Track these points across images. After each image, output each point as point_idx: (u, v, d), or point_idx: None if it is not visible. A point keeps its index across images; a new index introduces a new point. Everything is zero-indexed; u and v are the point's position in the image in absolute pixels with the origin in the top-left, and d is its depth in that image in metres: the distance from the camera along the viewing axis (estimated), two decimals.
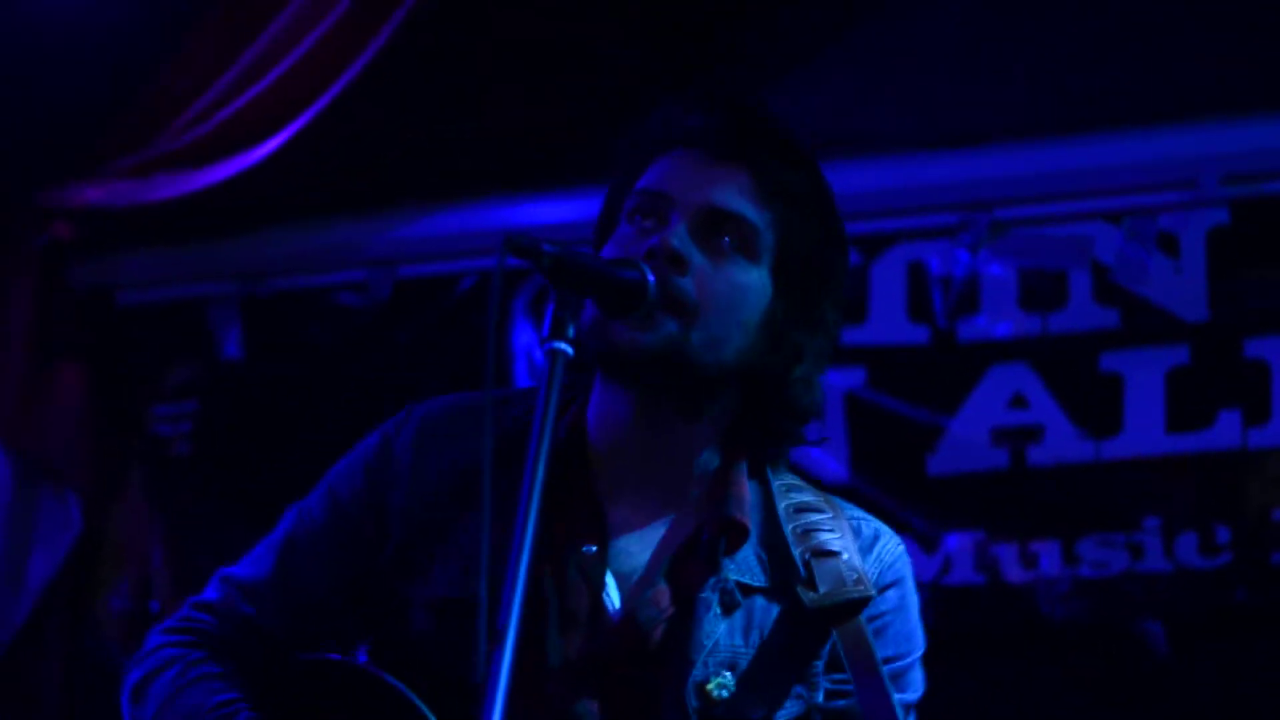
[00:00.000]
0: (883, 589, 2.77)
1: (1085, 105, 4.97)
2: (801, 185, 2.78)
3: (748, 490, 2.78)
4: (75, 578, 5.59)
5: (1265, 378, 4.77)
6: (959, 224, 4.99)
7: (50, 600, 5.54)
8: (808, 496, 2.83)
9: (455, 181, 5.35)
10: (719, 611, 2.70)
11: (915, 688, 2.81)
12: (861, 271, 5.03)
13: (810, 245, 2.77)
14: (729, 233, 2.72)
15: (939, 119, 5.10)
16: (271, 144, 5.26)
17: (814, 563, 2.73)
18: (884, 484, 4.92)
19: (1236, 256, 4.84)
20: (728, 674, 2.67)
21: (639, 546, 2.75)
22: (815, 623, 2.71)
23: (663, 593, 2.71)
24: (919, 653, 2.83)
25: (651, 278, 2.65)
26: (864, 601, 2.71)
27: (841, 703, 2.73)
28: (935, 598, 4.83)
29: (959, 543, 4.92)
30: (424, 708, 2.59)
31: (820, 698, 2.73)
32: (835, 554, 2.74)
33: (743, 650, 2.69)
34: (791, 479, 2.86)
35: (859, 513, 2.86)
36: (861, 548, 2.79)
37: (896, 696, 2.68)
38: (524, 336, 5.33)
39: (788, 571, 2.73)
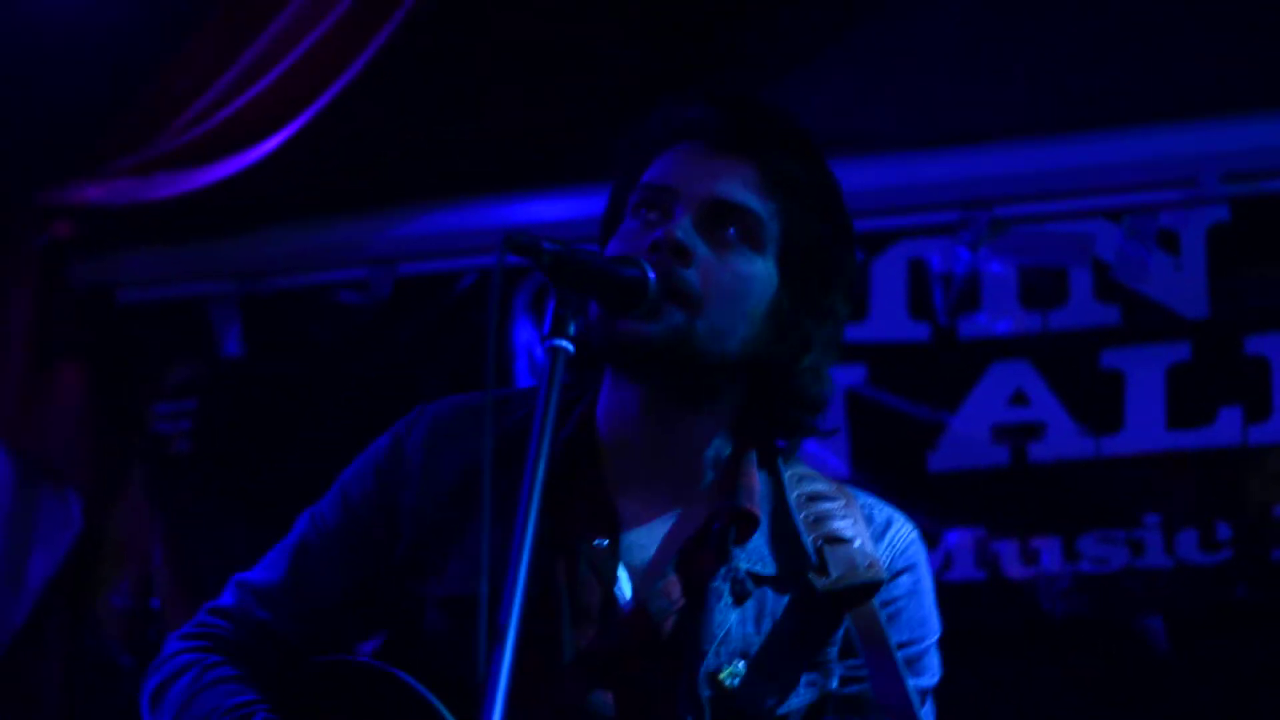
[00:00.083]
0: (896, 574, 2.79)
1: (1085, 103, 4.97)
2: (806, 176, 2.79)
3: (758, 480, 2.79)
4: (76, 576, 5.59)
5: (1265, 375, 4.77)
6: (960, 221, 4.99)
7: (50, 599, 5.54)
8: (820, 486, 2.85)
9: (455, 180, 5.35)
10: (730, 601, 2.71)
11: (932, 673, 2.83)
12: (862, 269, 5.03)
13: (815, 235, 2.78)
14: (733, 224, 2.73)
15: (940, 117, 5.11)
16: (272, 143, 5.26)
17: (826, 549, 2.75)
18: (885, 481, 4.91)
19: (1237, 254, 4.84)
20: (740, 662, 2.68)
21: (650, 539, 2.76)
22: (827, 608, 2.72)
23: (674, 584, 2.73)
24: (934, 638, 2.84)
25: (652, 275, 2.67)
26: (876, 585, 2.73)
27: (856, 688, 2.74)
28: (936, 594, 4.82)
29: (960, 539, 4.93)
30: (439, 705, 2.59)
31: (835, 683, 2.74)
32: (847, 540, 2.76)
33: (755, 639, 2.70)
34: (804, 469, 2.87)
35: (872, 500, 2.88)
36: (874, 534, 2.81)
37: (911, 681, 2.69)
38: (525, 334, 5.33)
39: (799, 559, 2.75)
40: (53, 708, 5.57)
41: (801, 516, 2.79)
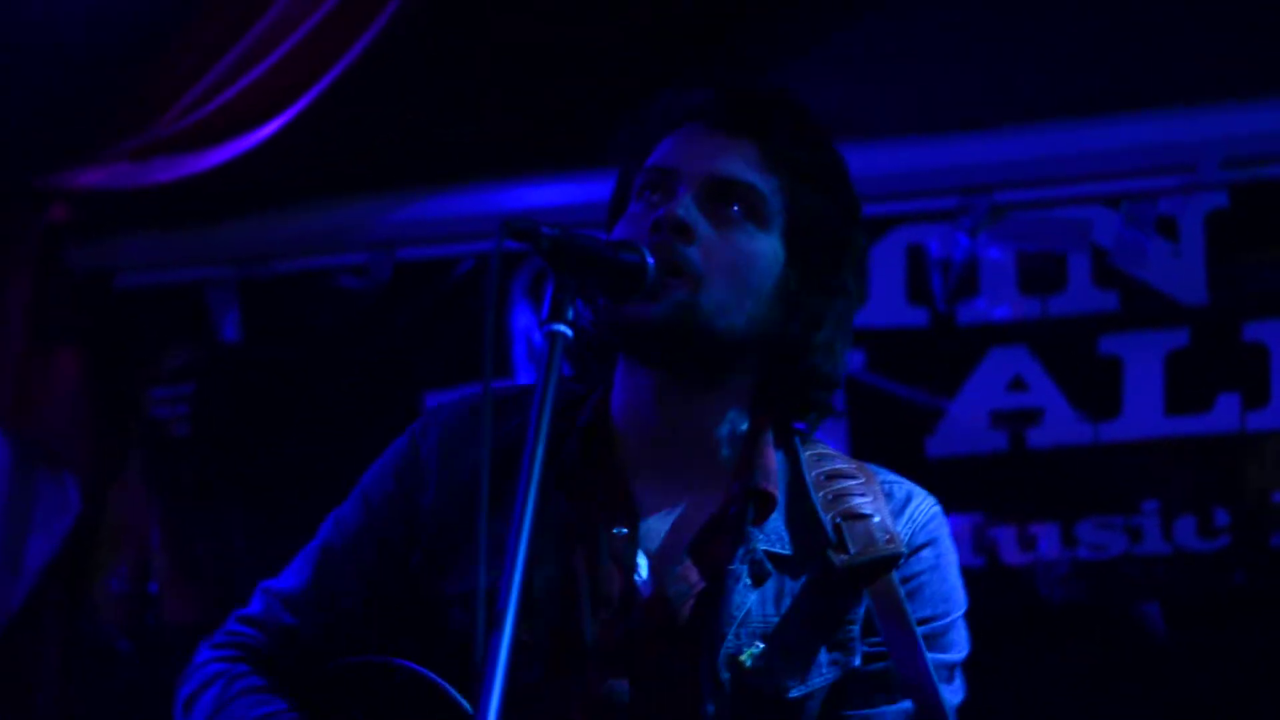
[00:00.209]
0: (917, 549, 2.78)
1: (1084, 89, 4.96)
2: (809, 152, 2.80)
3: (775, 460, 2.79)
4: (73, 560, 5.58)
5: (1264, 361, 4.77)
6: (959, 207, 4.99)
7: (48, 582, 5.53)
8: (839, 464, 2.85)
9: (454, 164, 5.35)
10: (749, 583, 2.70)
11: (959, 647, 2.82)
12: None
13: (821, 211, 2.79)
14: (736, 200, 2.74)
15: (938, 103, 5.10)
16: (271, 127, 5.26)
17: (844, 526, 2.74)
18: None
19: (1235, 240, 4.84)
20: (760, 644, 2.68)
21: (668, 524, 2.76)
22: (847, 585, 2.72)
23: (691, 568, 2.73)
24: (958, 612, 2.83)
25: (651, 260, 2.67)
26: (895, 559, 2.72)
27: (880, 665, 2.73)
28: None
29: (957, 525, 4.91)
30: (463, 701, 2.59)
31: (857, 661, 2.73)
32: (866, 517, 2.76)
33: (775, 620, 2.70)
34: (823, 449, 2.87)
35: (892, 476, 2.88)
36: (894, 510, 2.80)
37: (932, 656, 2.69)
38: (523, 319, 5.33)
39: (817, 537, 2.74)
40: (50, 692, 5.57)
41: (820, 495, 2.78)
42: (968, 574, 4.86)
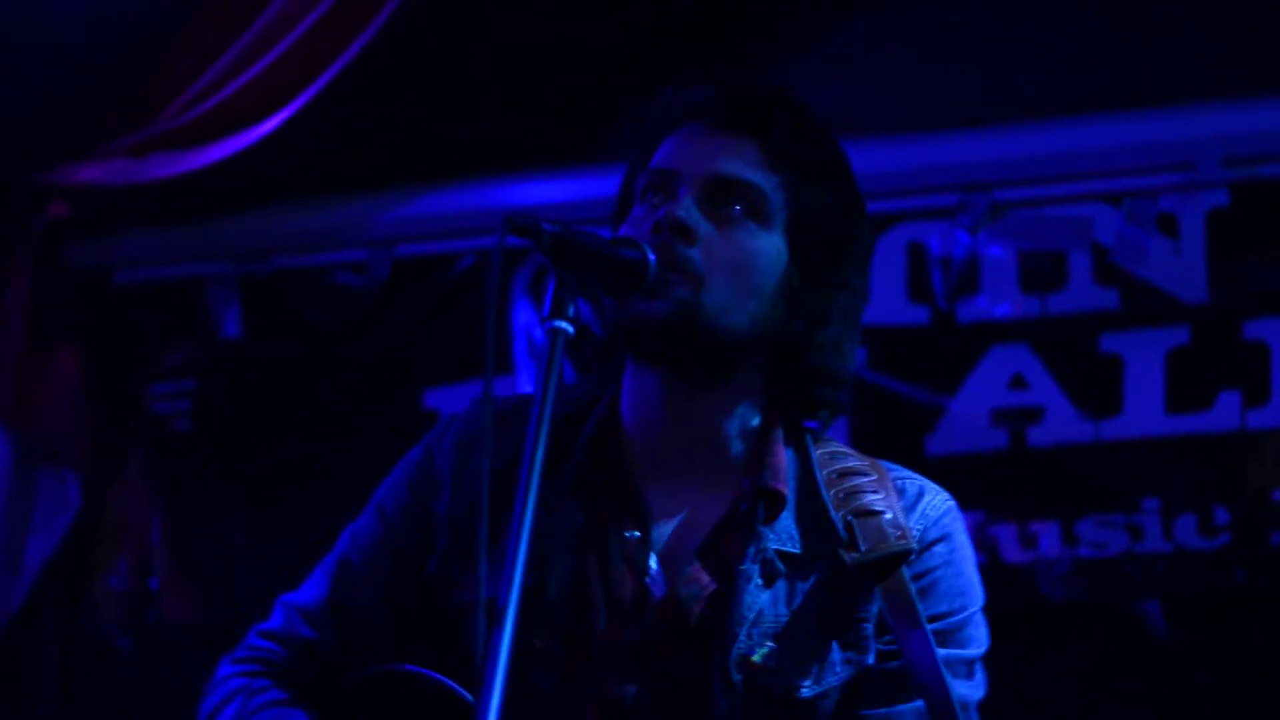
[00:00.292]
0: (929, 545, 2.77)
1: (1085, 87, 4.96)
2: (810, 149, 2.79)
3: (785, 459, 2.79)
4: (74, 557, 5.58)
5: (1265, 359, 4.77)
6: (959, 205, 4.99)
7: (48, 580, 5.53)
8: (851, 462, 2.84)
9: (454, 161, 5.34)
10: (760, 583, 2.70)
11: (978, 642, 2.82)
12: None
13: (823, 208, 2.78)
14: (737, 199, 2.74)
15: (939, 101, 5.10)
16: (270, 123, 5.25)
17: (855, 523, 2.73)
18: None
19: (1236, 238, 4.84)
20: (771, 644, 2.68)
21: (679, 525, 2.76)
22: (858, 583, 2.71)
23: (702, 569, 2.73)
24: (975, 607, 2.82)
25: (652, 257, 2.67)
26: (905, 554, 2.71)
27: (895, 663, 2.72)
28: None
29: None
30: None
31: (871, 659, 2.72)
32: (878, 513, 2.75)
33: (786, 619, 2.70)
34: (835, 447, 2.87)
35: (905, 473, 2.87)
36: (906, 506, 2.79)
37: (950, 652, 2.70)
38: (524, 316, 5.33)
39: (828, 536, 2.73)
40: (50, 689, 5.56)
41: (831, 493, 2.77)
42: None
